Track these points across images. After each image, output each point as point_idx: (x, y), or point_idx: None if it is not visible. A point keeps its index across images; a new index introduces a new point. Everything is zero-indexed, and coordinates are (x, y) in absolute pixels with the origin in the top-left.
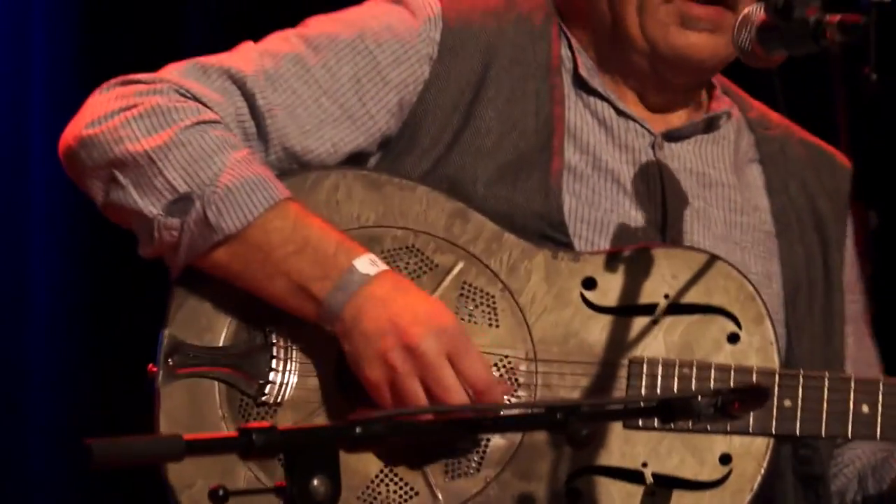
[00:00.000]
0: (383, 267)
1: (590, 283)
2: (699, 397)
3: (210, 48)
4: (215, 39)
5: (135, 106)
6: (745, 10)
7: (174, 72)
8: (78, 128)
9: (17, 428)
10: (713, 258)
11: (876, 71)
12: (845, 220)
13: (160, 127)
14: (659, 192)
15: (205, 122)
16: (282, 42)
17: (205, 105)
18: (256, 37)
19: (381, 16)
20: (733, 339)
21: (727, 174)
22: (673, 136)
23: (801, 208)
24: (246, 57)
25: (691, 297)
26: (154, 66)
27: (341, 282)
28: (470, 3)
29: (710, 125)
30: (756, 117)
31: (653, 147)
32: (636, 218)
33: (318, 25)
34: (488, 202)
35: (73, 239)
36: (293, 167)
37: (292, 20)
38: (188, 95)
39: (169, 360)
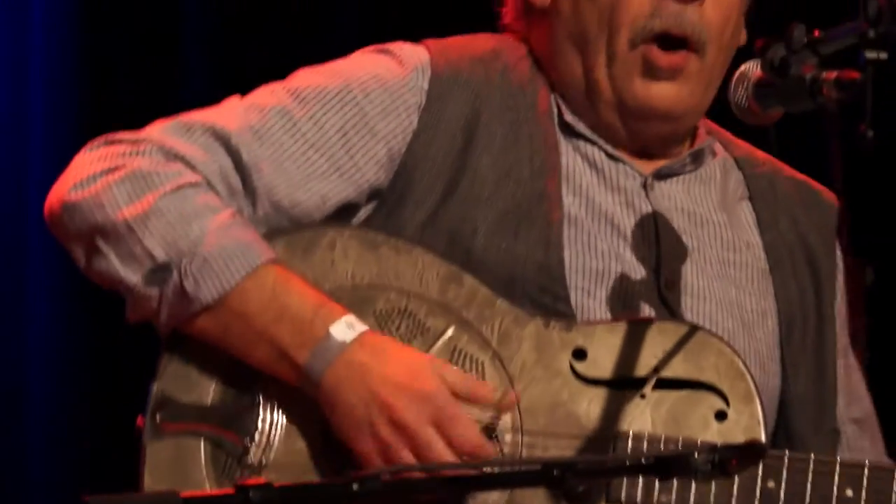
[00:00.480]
0: (361, 329)
1: (580, 354)
2: (696, 454)
3: (209, 47)
4: (214, 39)
5: (117, 169)
6: (742, 67)
7: (158, 130)
8: (62, 191)
9: (16, 428)
10: (705, 333)
11: (872, 127)
12: (834, 254)
13: (141, 192)
14: (653, 233)
15: (185, 186)
16: (268, 95)
17: (188, 164)
18: (252, 37)
19: (369, 66)
20: (721, 416)
21: (717, 213)
22: (662, 174)
23: (792, 243)
24: (231, 113)
25: (680, 372)
26: (153, 68)
27: (319, 350)
28: (458, 52)
29: (696, 159)
30: (743, 155)
31: (644, 187)
32: (632, 261)
33: (306, 77)
34: (489, 253)
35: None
36: (283, 221)
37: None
38: (171, 155)
39: (156, 415)
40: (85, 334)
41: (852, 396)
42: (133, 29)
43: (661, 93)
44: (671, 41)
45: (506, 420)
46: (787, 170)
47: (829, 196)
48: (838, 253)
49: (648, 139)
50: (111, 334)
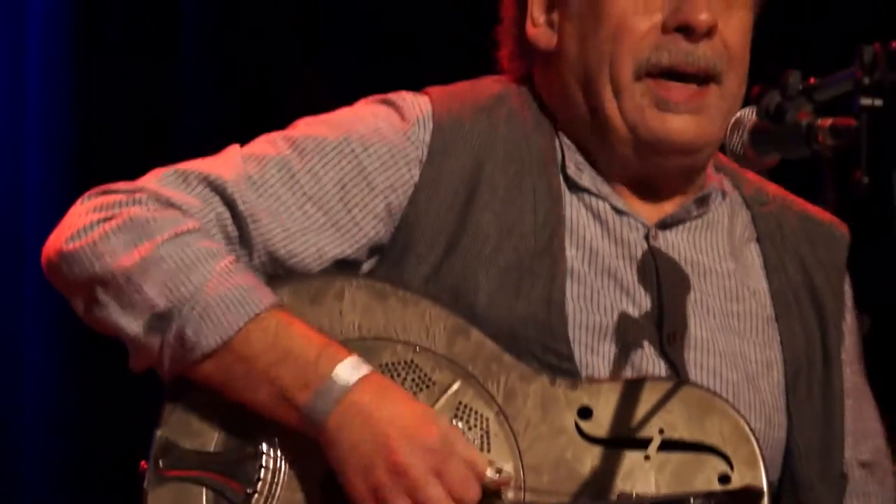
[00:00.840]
0: (366, 370)
1: (585, 413)
2: (692, 499)
3: (206, 47)
4: (212, 39)
5: (113, 218)
6: (738, 114)
7: (153, 180)
8: (59, 241)
9: (13, 427)
10: (711, 395)
11: (867, 174)
12: (842, 291)
13: (139, 240)
14: (655, 285)
15: (184, 233)
16: (267, 145)
17: (184, 213)
18: (247, 34)
19: (369, 118)
20: (724, 480)
21: (721, 262)
22: (666, 223)
23: (798, 286)
24: (229, 163)
25: (685, 434)
26: (151, 69)
27: (322, 390)
28: (460, 101)
29: (702, 203)
30: (752, 192)
31: (647, 238)
32: (634, 316)
33: (306, 128)
34: (491, 311)
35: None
36: (279, 272)
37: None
38: (167, 204)
39: (159, 461)
40: (82, 332)
41: (861, 437)
42: (131, 31)
43: (681, 126)
44: (682, 76)
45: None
46: (797, 203)
47: (839, 228)
48: (847, 288)
49: (664, 173)
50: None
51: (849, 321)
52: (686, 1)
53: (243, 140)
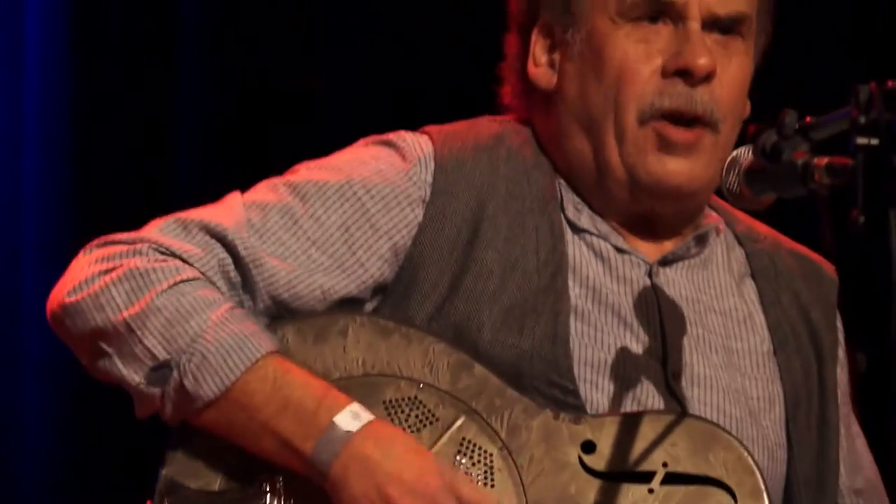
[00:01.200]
0: (367, 418)
1: (589, 447)
2: None
3: (205, 47)
4: (210, 38)
5: (114, 269)
6: (734, 153)
7: (154, 230)
8: (61, 294)
9: (12, 427)
10: (714, 427)
11: (863, 213)
12: (836, 328)
13: (139, 291)
14: (657, 322)
15: (183, 282)
16: (269, 191)
17: (185, 261)
18: (246, 35)
19: (370, 160)
20: None
21: (719, 300)
22: (667, 260)
23: (795, 320)
24: (230, 210)
25: (689, 467)
26: (149, 69)
27: (324, 440)
28: (461, 140)
29: (700, 241)
30: (744, 230)
31: (649, 275)
32: (637, 352)
33: (307, 172)
34: (495, 349)
35: (66, 235)
36: (283, 314)
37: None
38: (168, 253)
39: (164, 500)
40: None
41: (855, 466)
42: (129, 32)
43: (676, 168)
44: (683, 119)
45: None
46: (788, 243)
47: (829, 269)
48: (839, 325)
49: (659, 217)
50: None
51: (841, 356)
52: (686, 45)
53: (240, 140)
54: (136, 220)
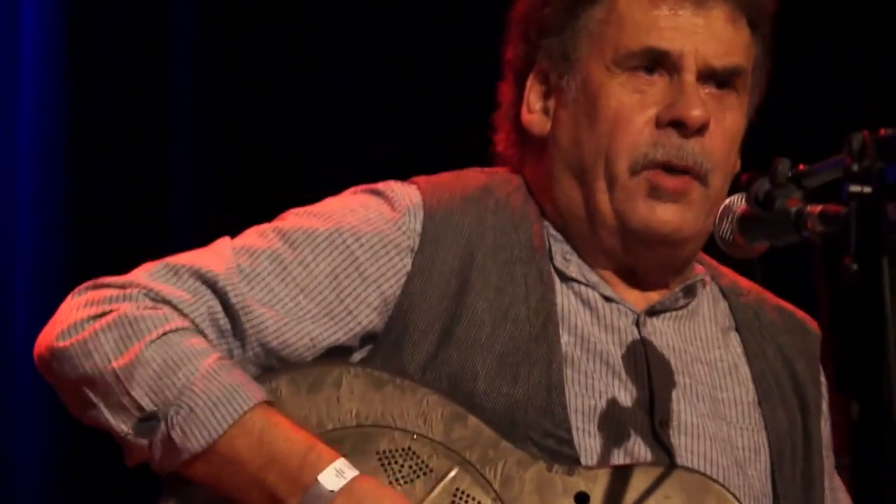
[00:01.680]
0: (352, 475)
1: (582, 499)
2: None
3: (198, 48)
4: (203, 40)
5: (104, 315)
6: (727, 201)
7: (144, 274)
8: (50, 337)
9: (4, 427)
10: (706, 479)
11: (856, 261)
12: (819, 382)
13: (128, 339)
14: (645, 371)
15: (172, 332)
16: (258, 238)
17: (175, 308)
18: (239, 37)
19: (360, 209)
20: None
21: (706, 351)
22: (654, 310)
23: (779, 372)
24: (219, 256)
25: None
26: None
27: (308, 498)
28: (449, 191)
29: (688, 293)
30: (728, 284)
31: (636, 325)
32: (626, 402)
33: (296, 219)
34: (489, 398)
35: (58, 234)
36: (272, 362)
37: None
38: (158, 299)
39: None
40: None
41: None
42: (123, 34)
43: (666, 215)
44: (674, 169)
45: None
46: (771, 298)
47: (812, 324)
48: (823, 380)
49: (648, 265)
50: None
51: (825, 409)
52: (681, 97)
53: (235, 140)
54: (129, 230)
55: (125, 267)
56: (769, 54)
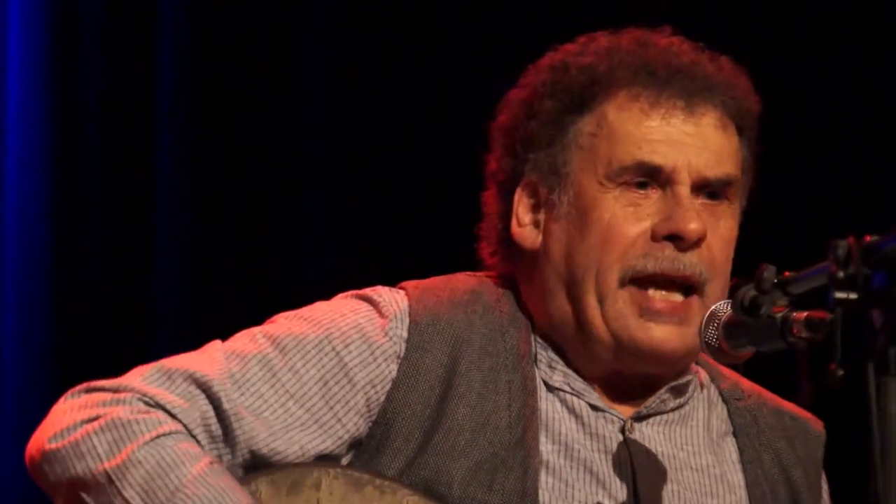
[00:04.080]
0: None
1: None
2: None
3: (185, 49)
4: (189, 41)
5: (97, 418)
6: (712, 307)
7: (138, 378)
8: (42, 440)
9: None
10: None
11: (841, 367)
12: (819, 486)
13: (121, 442)
14: (630, 478)
15: (164, 435)
16: (248, 342)
17: (168, 413)
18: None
19: (349, 314)
20: None
21: (697, 456)
22: (641, 415)
23: (775, 480)
24: (211, 359)
25: None
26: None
27: None
28: (437, 297)
29: (677, 394)
30: (729, 388)
31: (622, 431)
32: None
33: (286, 322)
34: None
35: (45, 236)
36: (261, 467)
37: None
38: (151, 403)
39: None
40: (56, 336)
41: None
42: (108, 36)
43: (663, 335)
44: (668, 283)
45: None
46: (773, 400)
47: (816, 426)
48: (824, 485)
49: (643, 377)
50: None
51: None
52: (677, 210)
53: (218, 148)
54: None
55: (110, 267)
56: (756, 157)
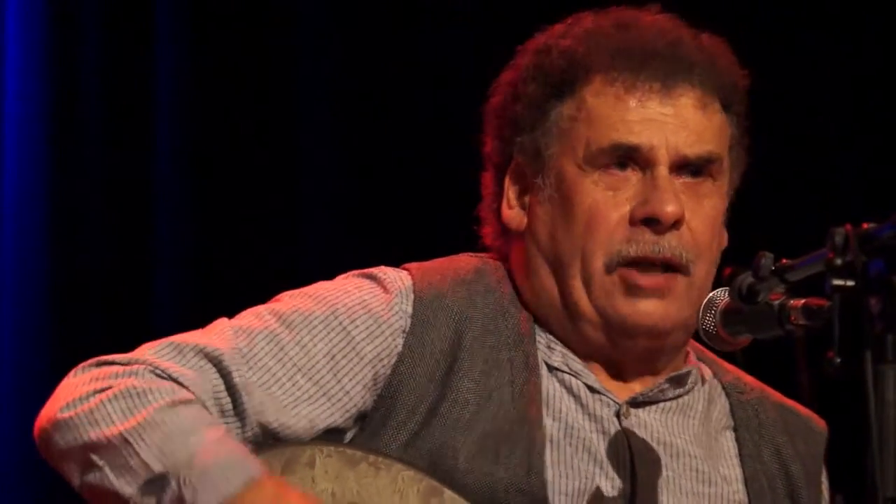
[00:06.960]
0: None
1: None
2: None
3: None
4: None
5: (110, 388)
6: (710, 295)
7: (149, 352)
8: (52, 411)
9: None
10: None
11: (839, 354)
12: (819, 482)
13: (135, 408)
14: (628, 462)
15: (180, 402)
16: (255, 319)
17: (180, 384)
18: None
19: (354, 291)
20: None
21: (693, 445)
22: (637, 401)
23: (774, 475)
24: (220, 335)
25: None
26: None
27: None
28: (440, 275)
29: (678, 384)
30: (731, 381)
31: (618, 416)
32: (608, 490)
33: (291, 301)
34: (469, 476)
35: (43, 236)
36: (269, 441)
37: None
38: (164, 375)
39: None
40: (55, 337)
41: None
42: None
43: (647, 309)
44: (651, 265)
45: None
46: (775, 396)
47: (818, 422)
48: (824, 481)
49: (632, 356)
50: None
51: None
52: (653, 193)
53: (217, 136)
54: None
55: (108, 265)
56: (746, 132)
